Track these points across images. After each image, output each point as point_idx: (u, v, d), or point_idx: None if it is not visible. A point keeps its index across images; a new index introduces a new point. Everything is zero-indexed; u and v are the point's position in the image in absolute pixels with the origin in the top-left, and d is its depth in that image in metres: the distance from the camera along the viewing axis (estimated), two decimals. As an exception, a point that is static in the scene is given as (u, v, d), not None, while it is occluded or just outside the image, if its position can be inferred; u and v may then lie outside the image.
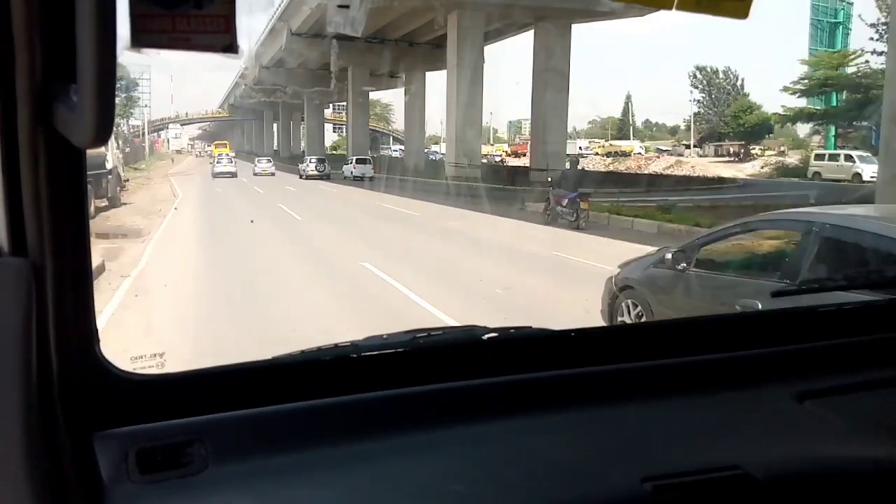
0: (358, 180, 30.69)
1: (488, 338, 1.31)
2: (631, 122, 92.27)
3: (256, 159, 39.19)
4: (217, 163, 34.49)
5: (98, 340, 1.03)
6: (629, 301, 4.80)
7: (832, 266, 3.28)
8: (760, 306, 2.83)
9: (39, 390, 0.87)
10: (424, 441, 1.13)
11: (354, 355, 1.23)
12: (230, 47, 0.93)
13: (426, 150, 43.82)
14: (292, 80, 46.66)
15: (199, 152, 66.25)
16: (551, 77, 27.54)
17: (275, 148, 67.34)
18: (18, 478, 0.83)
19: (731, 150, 46.72)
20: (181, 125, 73.65)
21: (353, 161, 32.80)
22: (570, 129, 35.94)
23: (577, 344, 1.37)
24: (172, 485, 0.99)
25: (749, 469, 1.09)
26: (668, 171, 37.18)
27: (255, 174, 35.11)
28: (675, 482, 1.07)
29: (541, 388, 1.26)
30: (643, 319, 4.51)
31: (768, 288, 3.13)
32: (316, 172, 33.68)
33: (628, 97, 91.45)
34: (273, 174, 35.74)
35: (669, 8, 1.13)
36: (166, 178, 30.77)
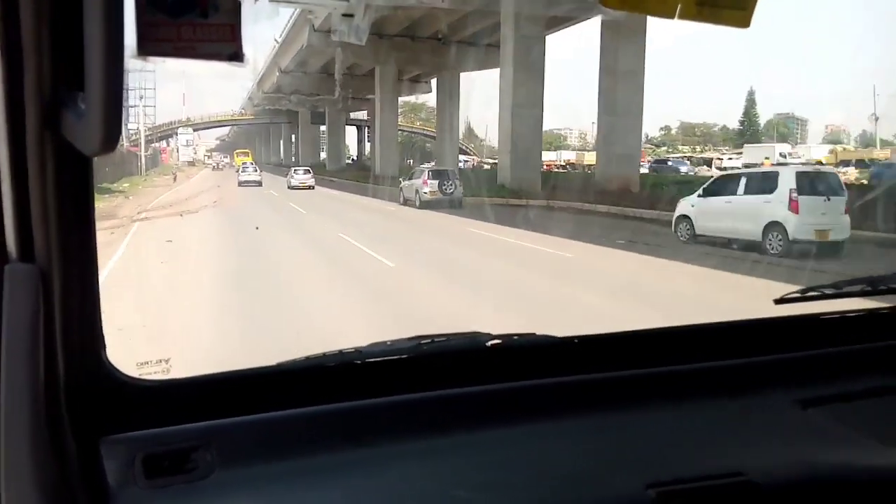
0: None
1: (492, 344, 1.31)
2: (753, 122, 70.25)
3: (293, 170, 31.61)
4: (242, 171, 32.50)
5: (104, 346, 1.04)
6: None
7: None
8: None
9: (47, 395, 0.89)
10: (429, 447, 1.14)
11: (359, 361, 1.24)
12: (236, 56, 0.94)
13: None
14: (361, 53, 30.77)
15: (217, 164, 57.28)
16: None
17: (321, 158, 54.89)
18: (26, 482, 0.85)
19: None
20: (193, 130, 64.35)
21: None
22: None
23: (580, 350, 1.36)
24: (178, 490, 1.01)
25: (752, 476, 1.10)
26: None
27: (291, 187, 28.21)
28: (679, 488, 1.07)
29: (544, 394, 1.26)
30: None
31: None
32: (440, 196, 19.24)
33: (751, 93, 69.47)
34: (312, 187, 28.27)
35: (672, 17, 1.14)
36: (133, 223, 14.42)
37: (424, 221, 16.62)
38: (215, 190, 26.23)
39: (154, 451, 1.03)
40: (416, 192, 19.72)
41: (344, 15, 23.65)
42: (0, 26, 0.80)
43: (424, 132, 70.60)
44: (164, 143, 59.32)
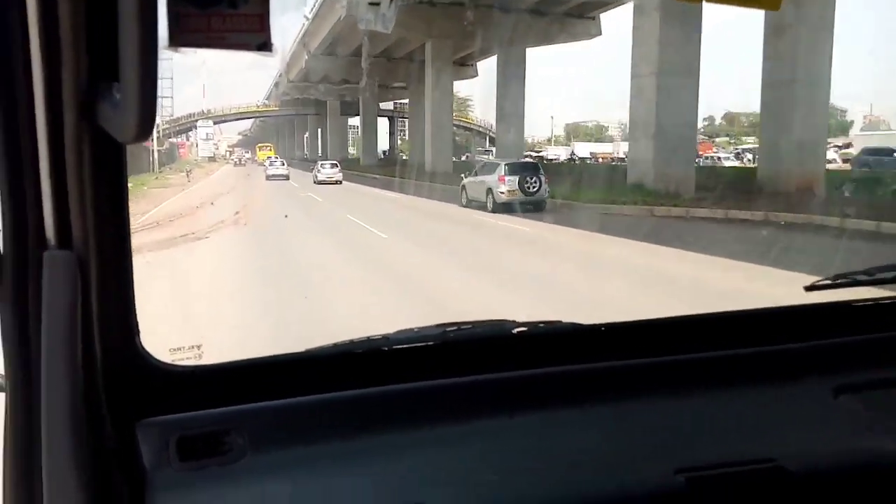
0: None
1: (518, 331, 1.31)
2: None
3: (319, 164, 29.05)
4: (270, 166, 32.43)
5: (139, 332, 1.06)
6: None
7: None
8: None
9: (85, 379, 0.91)
10: (455, 433, 1.15)
11: (386, 348, 1.25)
12: (264, 45, 0.95)
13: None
14: (410, 25, 25.51)
15: (240, 159, 53.85)
16: None
17: (349, 151, 52.36)
18: (65, 463, 0.87)
19: None
20: (213, 122, 57.77)
21: None
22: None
23: (607, 338, 1.36)
24: (212, 472, 1.03)
25: (784, 462, 1.09)
26: None
27: (318, 182, 25.89)
28: (709, 474, 1.07)
29: (571, 381, 1.25)
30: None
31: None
32: (520, 196, 14.82)
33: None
34: (340, 182, 26.02)
35: (701, 0, 1.08)
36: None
37: (599, 255, 9.51)
38: (237, 192, 20.96)
39: (188, 434, 1.04)
40: (489, 191, 15.50)
41: (370, 3, 22.33)
42: (39, 23, 0.83)
43: (457, 123, 65.21)
44: (182, 138, 54.69)
